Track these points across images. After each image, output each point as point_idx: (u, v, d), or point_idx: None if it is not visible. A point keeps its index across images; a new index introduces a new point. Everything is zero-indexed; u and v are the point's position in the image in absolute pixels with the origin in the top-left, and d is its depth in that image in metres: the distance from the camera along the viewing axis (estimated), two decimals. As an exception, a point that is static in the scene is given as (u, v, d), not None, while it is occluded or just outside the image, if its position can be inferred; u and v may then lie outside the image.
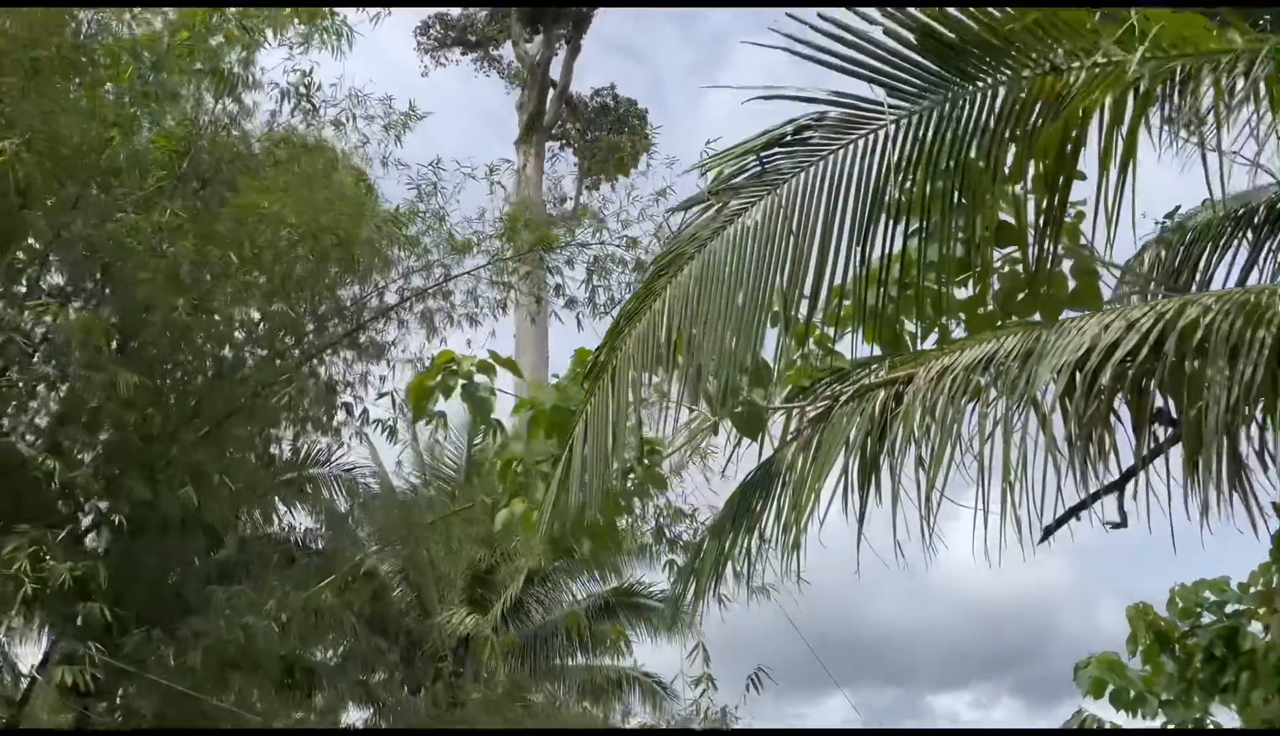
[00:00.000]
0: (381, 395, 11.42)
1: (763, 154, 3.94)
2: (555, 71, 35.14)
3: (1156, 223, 5.99)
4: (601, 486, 4.05)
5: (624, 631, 16.96)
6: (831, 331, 5.44)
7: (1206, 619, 8.62)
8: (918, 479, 4.39)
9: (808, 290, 3.77)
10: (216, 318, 9.55)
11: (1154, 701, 8.26)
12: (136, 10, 10.95)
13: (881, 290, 4.97)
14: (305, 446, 14.84)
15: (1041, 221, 4.84)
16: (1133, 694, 8.49)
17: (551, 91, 34.86)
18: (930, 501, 4.28)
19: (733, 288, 3.83)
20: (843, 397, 4.83)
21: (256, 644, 9.44)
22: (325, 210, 9.86)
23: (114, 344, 8.97)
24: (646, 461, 4.81)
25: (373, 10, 11.83)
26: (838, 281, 3.80)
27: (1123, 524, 4.76)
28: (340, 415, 11.23)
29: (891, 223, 3.91)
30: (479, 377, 4.47)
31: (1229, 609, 8.60)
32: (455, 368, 4.41)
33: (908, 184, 3.89)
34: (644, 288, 4.20)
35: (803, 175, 3.86)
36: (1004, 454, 4.10)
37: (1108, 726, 8.61)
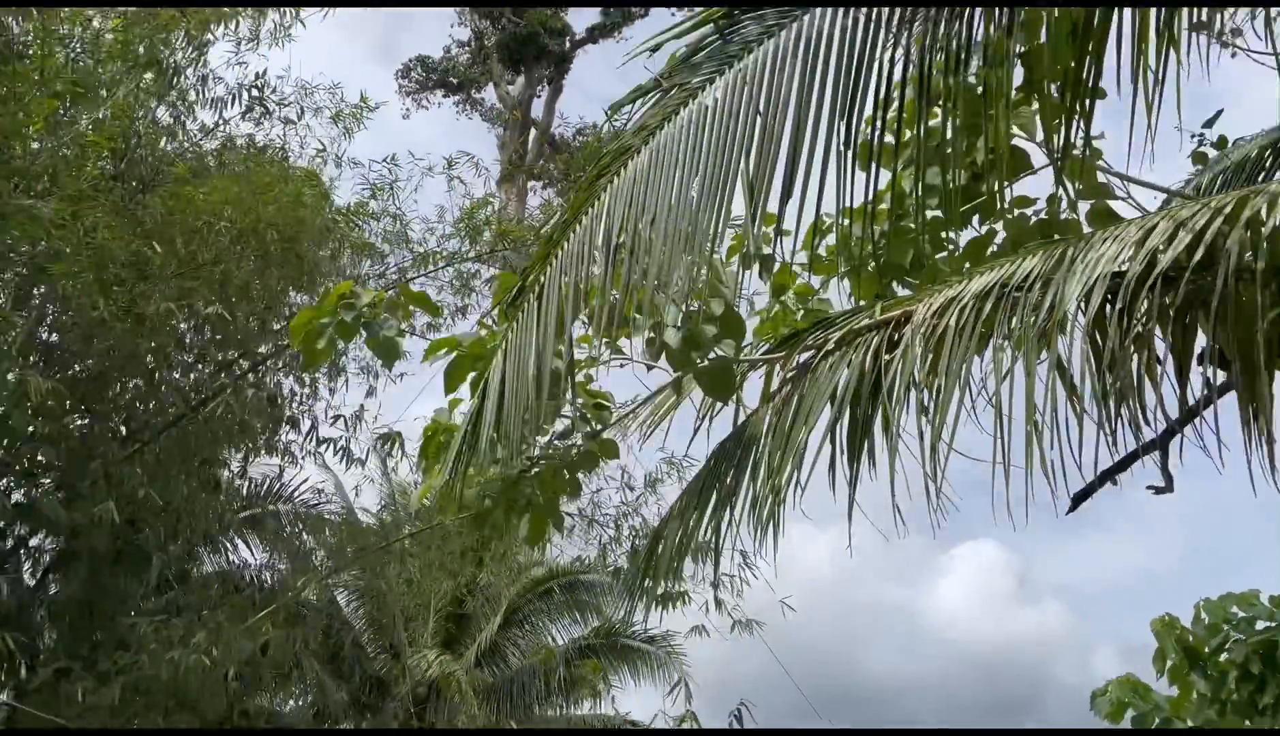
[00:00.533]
0: (336, 417, 10.60)
1: (724, 24, 3.19)
2: (537, 112, 34.78)
3: (1193, 135, 5.27)
4: (522, 432, 3.24)
5: (602, 667, 15.95)
6: (812, 276, 4.69)
7: (1235, 637, 7.82)
8: (920, 432, 3.60)
9: (778, 180, 2.98)
10: (148, 323, 8.74)
11: (1182, 725, 7.39)
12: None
13: (868, 220, 4.22)
14: (266, 480, 14.04)
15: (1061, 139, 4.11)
16: (1158, 720, 7.64)
17: (533, 132, 34.50)
18: (937, 455, 3.48)
19: (687, 178, 3.06)
20: (828, 345, 4.06)
21: (190, 682, 8.51)
22: (270, 209, 9.11)
23: (20, 344, 8.13)
24: (589, 416, 4.00)
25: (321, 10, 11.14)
26: (816, 168, 3.01)
27: (1167, 488, 3.98)
28: (286, 432, 10.38)
29: (883, 90, 3.13)
30: (386, 317, 3.68)
31: (1260, 625, 7.79)
32: (352, 302, 3.61)
33: (898, 55, 3.12)
34: (581, 192, 3.42)
35: (772, 42, 3.10)
36: (1027, 393, 3.31)
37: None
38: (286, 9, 11.07)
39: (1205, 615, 7.90)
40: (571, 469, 4.12)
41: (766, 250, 4.43)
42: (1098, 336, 3.55)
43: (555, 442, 4.07)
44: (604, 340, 3.60)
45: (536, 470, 4.05)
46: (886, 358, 3.79)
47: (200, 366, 9.52)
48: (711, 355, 4.17)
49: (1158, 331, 3.59)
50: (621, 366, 4.18)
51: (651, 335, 4.20)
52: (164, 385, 9.26)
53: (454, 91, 36.57)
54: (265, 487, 14.07)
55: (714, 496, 4.04)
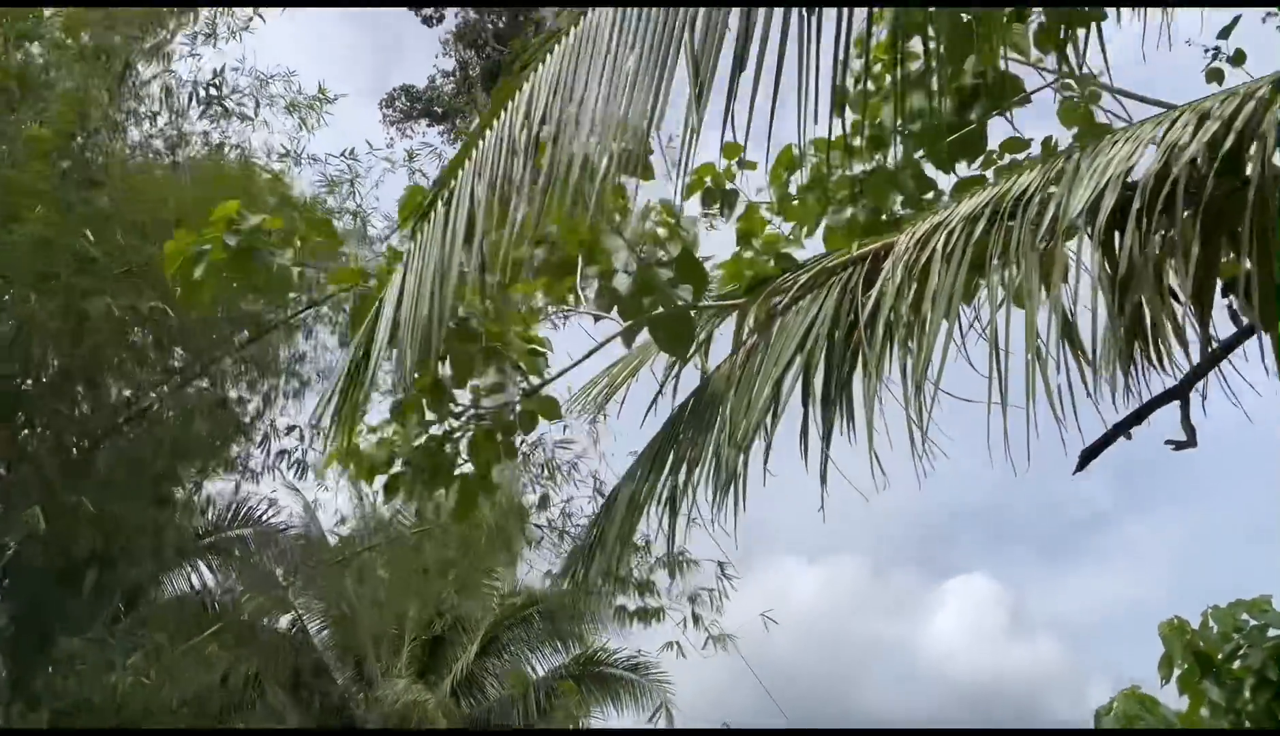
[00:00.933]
0: (291, 427, 10.03)
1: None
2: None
3: (1207, 50, 4.80)
4: (418, 359, 2.71)
5: (578, 690, 15.27)
6: (782, 225, 4.20)
7: (1246, 646, 7.28)
8: (904, 372, 3.08)
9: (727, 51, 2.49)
10: (88, 324, 8.22)
11: (1197, 740, 6.83)
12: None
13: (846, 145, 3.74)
14: (231, 504, 13.43)
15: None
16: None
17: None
18: (922, 395, 2.96)
19: (621, 53, 2.57)
20: (798, 286, 3.56)
21: (131, 706, 7.91)
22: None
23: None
24: (524, 366, 3.47)
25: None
26: (773, 38, 2.52)
27: (1189, 442, 3.46)
28: (243, 445, 9.81)
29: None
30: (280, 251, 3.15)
31: (1271, 632, 7.26)
32: (239, 226, 3.07)
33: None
34: (502, 89, 2.93)
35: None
36: (1027, 318, 2.79)
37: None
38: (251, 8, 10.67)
39: (1214, 623, 7.38)
40: (506, 431, 3.60)
41: (730, 185, 3.94)
42: (1105, 264, 3.06)
43: (485, 402, 3.55)
44: (530, 256, 3.07)
45: (464, 433, 3.53)
46: (864, 296, 3.30)
47: (142, 369, 8.95)
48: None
49: (1173, 265, 3.09)
50: (565, 318, 3.67)
51: (599, 282, 3.70)
52: (104, 389, 8.72)
53: (438, 121, 36.29)
54: (231, 512, 13.51)
55: (670, 458, 3.53)
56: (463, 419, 3.51)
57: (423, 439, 3.45)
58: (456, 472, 3.54)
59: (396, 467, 3.48)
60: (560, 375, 3.71)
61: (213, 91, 10.70)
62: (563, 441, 9.98)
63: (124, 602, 9.44)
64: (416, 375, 3.60)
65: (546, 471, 10.39)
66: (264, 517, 12.53)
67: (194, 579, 11.25)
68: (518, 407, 3.58)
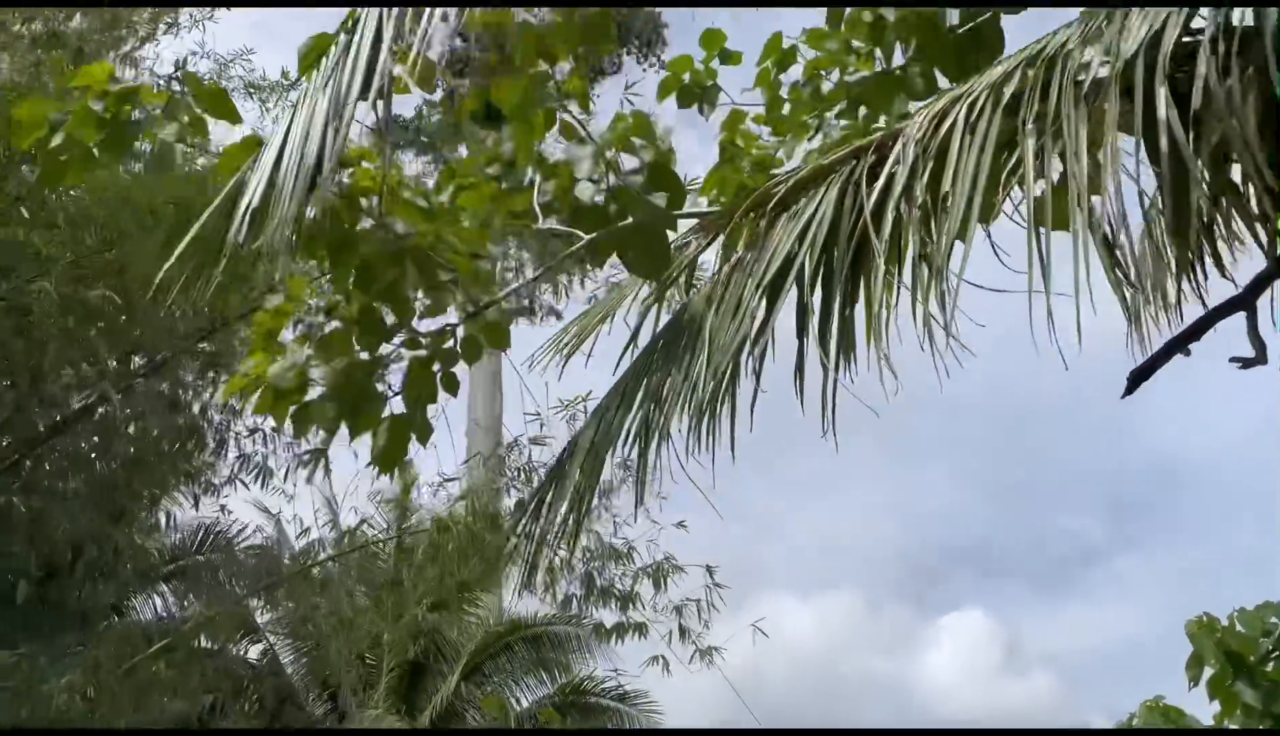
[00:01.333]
0: (253, 430, 9.39)
1: None
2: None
3: None
4: (293, 218, 2.16)
5: (561, 717, 14.54)
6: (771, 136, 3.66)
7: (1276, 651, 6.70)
8: (916, 264, 2.52)
9: None
10: (30, 317, 7.64)
11: (1232, 753, 6.23)
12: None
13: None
14: (199, 527, 12.79)
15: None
16: (1200, 749, 6.48)
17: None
18: (944, 282, 2.40)
19: None
20: (791, 185, 3.01)
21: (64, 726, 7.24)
22: (179, 189, 8.06)
23: None
24: (462, 281, 2.90)
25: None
26: None
27: (1259, 358, 2.90)
28: (199, 452, 9.14)
29: None
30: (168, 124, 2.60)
31: (1303, 635, 6.68)
32: (105, 90, 2.51)
33: None
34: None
35: None
36: (1071, 182, 2.25)
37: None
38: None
39: (1241, 626, 6.81)
40: (445, 362, 3.03)
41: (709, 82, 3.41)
42: (1159, 137, 2.52)
43: (420, 331, 2.98)
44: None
45: (395, 362, 2.96)
46: (869, 188, 2.75)
47: (86, 365, 8.34)
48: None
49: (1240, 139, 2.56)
50: (520, 235, 3.12)
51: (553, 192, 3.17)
52: (45, 387, 8.11)
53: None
54: (196, 535, 12.87)
55: (640, 392, 2.96)
56: (395, 344, 2.95)
57: (344, 365, 2.88)
58: (386, 412, 2.97)
59: (313, 396, 2.90)
60: (511, 292, 3.14)
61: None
62: (538, 439, 9.35)
63: (81, 623, 8.76)
64: (343, 300, 3.05)
65: (522, 475, 9.76)
66: (228, 536, 11.90)
67: (158, 604, 10.59)
68: (460, 333, 3.02)
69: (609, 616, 8.85)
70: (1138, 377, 2.86)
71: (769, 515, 46.26)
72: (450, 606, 16.38)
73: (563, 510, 2.99)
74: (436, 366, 3.00)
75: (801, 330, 2.90)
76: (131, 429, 8.37)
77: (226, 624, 10.83)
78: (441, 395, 3.17)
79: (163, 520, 10.76)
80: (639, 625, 8.60)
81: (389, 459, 3.00)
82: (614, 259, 3.29)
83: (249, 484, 9.76)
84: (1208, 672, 6.13)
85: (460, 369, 3.21)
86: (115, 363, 8.28)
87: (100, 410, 8.20)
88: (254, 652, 15.79)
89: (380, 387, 2.91)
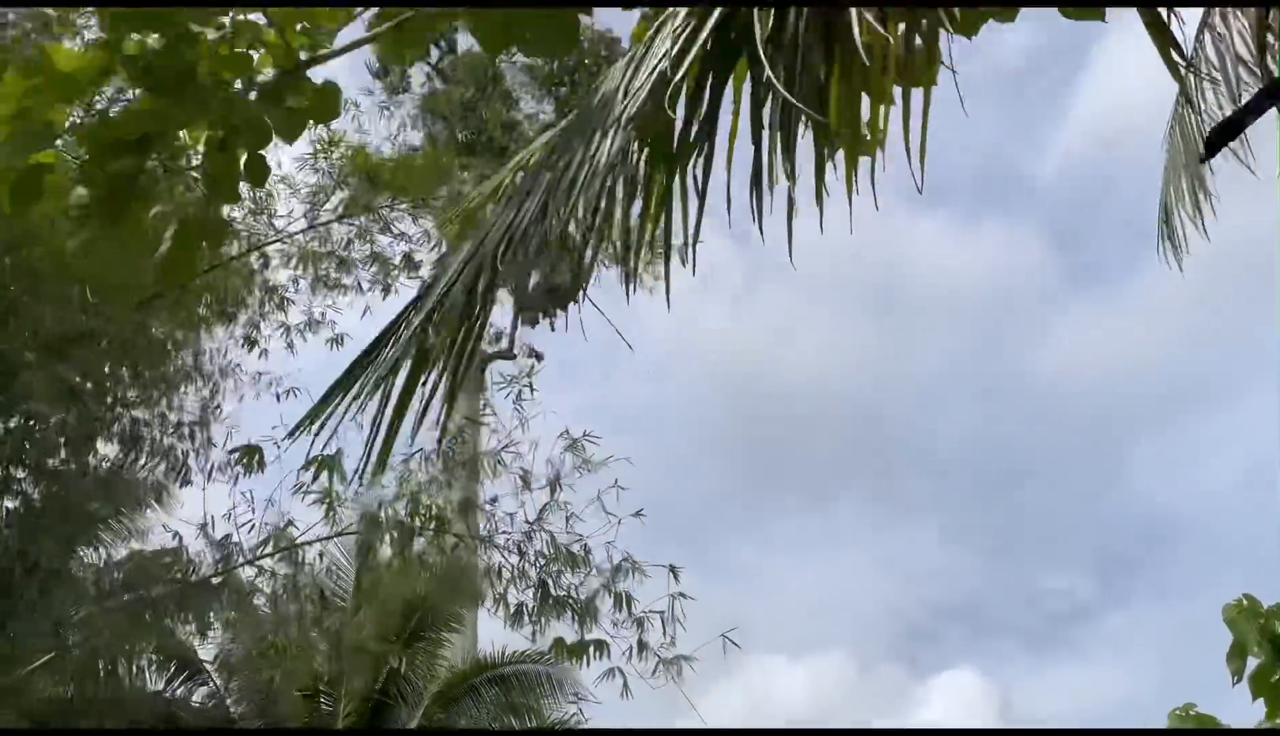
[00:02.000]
0: (178, 424, 8.45)
1: None
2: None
3: None
4: None
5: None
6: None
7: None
8: None
9: None
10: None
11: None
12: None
13: None
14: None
15: None
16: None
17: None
18: None
19: None
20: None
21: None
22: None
23: None
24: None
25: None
26: None
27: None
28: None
29: None
30: None
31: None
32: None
33: None
34: None
35: None
36: None
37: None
38: None
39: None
40: (253, 139, 2.20)
41: None
42: None
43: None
44: None
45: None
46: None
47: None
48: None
49: None
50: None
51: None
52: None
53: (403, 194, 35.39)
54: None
55: (542, 187, 2.17)
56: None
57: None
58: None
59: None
60: (339, 53, 2.31)
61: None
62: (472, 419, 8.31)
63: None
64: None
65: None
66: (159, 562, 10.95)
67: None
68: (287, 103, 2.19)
69: (566, 632, 7.80)
70: (1216, 141, 2.09)
71: (756, 575, 44.90)
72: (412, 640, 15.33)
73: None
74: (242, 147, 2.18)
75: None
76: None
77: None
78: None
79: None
80: (598, 643, 7.59)
81: (172, 275, 2.17)
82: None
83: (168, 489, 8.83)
84: (1251, 664, 5.24)
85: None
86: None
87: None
88: (199, 695, 14.72)
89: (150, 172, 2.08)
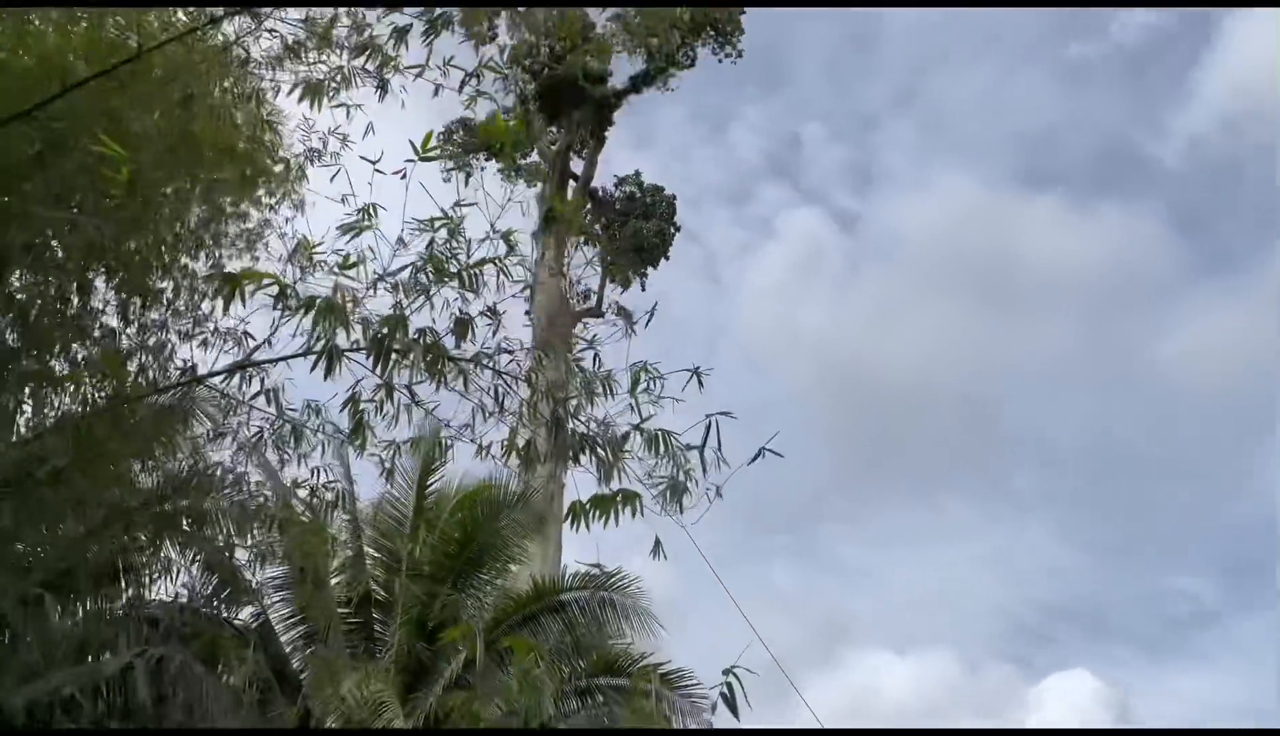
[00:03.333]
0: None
1: None
2: (579, 168, 32.77)
3: None
4: None
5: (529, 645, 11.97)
6: None
7: None
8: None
9: None
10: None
11: None
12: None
13: None
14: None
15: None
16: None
17: (573, 184, 32.30)
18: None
19: None
20: None
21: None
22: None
23: None
24: None
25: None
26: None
27: None
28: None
29: None
30: None
31: None
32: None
33: None
34: None
35: None
36: None
37: None
38: None
39: None
40: None
41: None
42: None
43: None
44: None
45: None
46: None
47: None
48: None
49: None
50: None
51: None
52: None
53: (497, 155, 34.59)
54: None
55: None
56: None
57: None
58: None
59: None
60: None
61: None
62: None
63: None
64: None
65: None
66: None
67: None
68: None
69: (586, 485, 6.33)
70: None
71: (862, 569, 42.66)
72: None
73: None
74: None
75: None
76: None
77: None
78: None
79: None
80: (627, 494, 6.18)
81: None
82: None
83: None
84: None
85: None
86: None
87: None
88: (245, 613, 13.91)
89: None
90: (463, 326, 6.29)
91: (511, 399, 6.54)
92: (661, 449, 6.36)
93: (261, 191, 7.91)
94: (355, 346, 6.22)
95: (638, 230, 32.69)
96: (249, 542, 11.10)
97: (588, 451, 6.31)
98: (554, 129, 32.79)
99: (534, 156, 32.79)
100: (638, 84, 32.33)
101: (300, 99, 7.51)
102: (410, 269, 6.27)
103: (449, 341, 6.48)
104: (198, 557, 12.15)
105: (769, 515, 44.28)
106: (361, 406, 6.49)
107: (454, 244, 6.32)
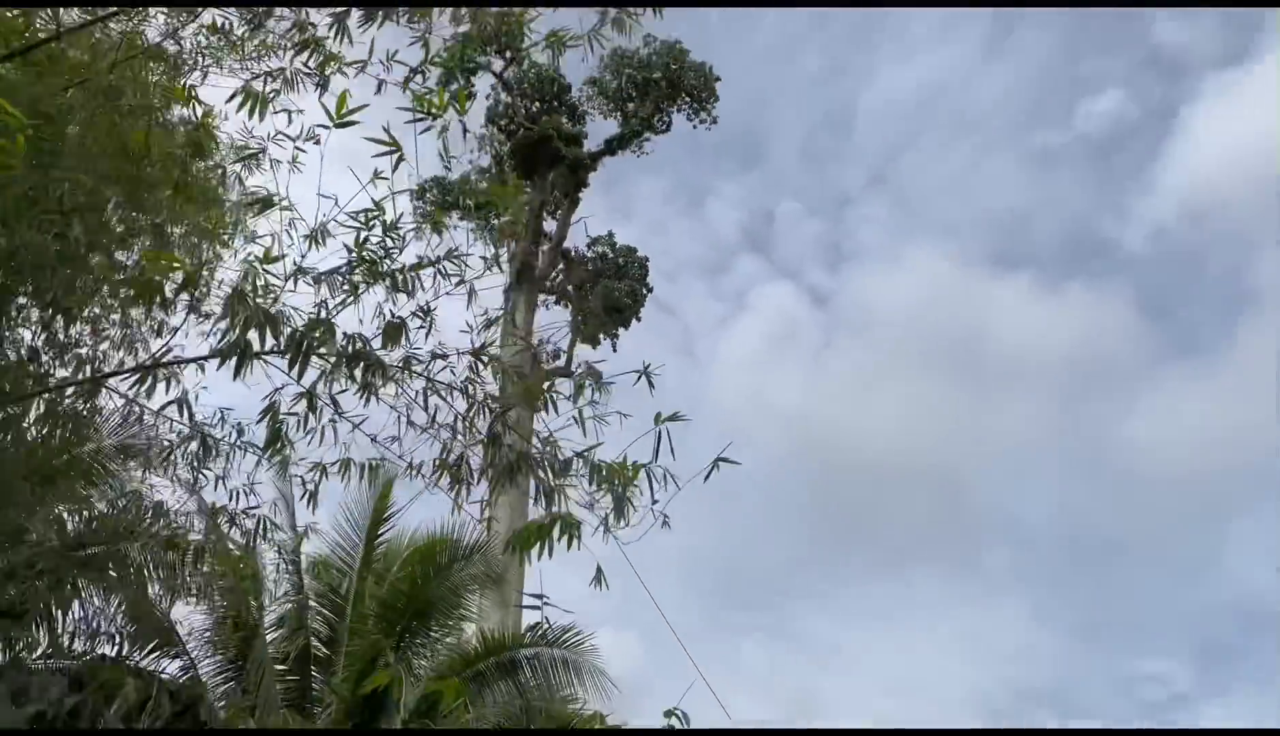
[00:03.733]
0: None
1: None
2: (551, 228, 32.56)
3: None
4: None
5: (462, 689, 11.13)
6: None
7: None
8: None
9: None
10: None
11: None
12: None
13: None
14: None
15: None
16: None
17: (546, 244, 32.05)
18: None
19: None
20: None
21: None
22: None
23: None
24: None
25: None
26: None
27: None
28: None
29: None
30: None
31: None
32: None
33: None
34: None
35: None
36: None
37: None
38: None
39: None
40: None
41: None
42: None
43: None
44: None
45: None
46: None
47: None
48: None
49: None
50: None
51: None
52: None
53: (471, 214, 34.32)
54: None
55: None
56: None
57: None
58: None
59: None
60: None
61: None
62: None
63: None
64: None
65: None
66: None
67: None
68: None
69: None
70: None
71: (831, 644, 41.78)
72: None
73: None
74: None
75: None
76: None
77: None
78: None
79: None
80: (566, 521, 5.54)
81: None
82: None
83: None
84: None
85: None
86: None
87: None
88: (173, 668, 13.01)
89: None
90: (394, 331, 5.74)
91: (445, 412, 5.98)
92: (603, 472, 5.78)
93: (188, 202, 7.35)
94: (276, 349, 5.64)
95: (609, 290, 32.41)
96: (173, 585, 10.35)
97: (525, 471, 5.72)
98: (528, 189, 32.61)
99: (506, 215, 32.43)
100: (613, 146, 32.32)
101: (240, 107, 7.04)
102: (340, 267, 5.74)
103: (382, 349, 5.91)
104: (118, 604, 11.35)
105: (741, 591, 43.40)
106: (281, 418, 5.88)
107: (388, 241, 5.80)
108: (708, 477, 5.56)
